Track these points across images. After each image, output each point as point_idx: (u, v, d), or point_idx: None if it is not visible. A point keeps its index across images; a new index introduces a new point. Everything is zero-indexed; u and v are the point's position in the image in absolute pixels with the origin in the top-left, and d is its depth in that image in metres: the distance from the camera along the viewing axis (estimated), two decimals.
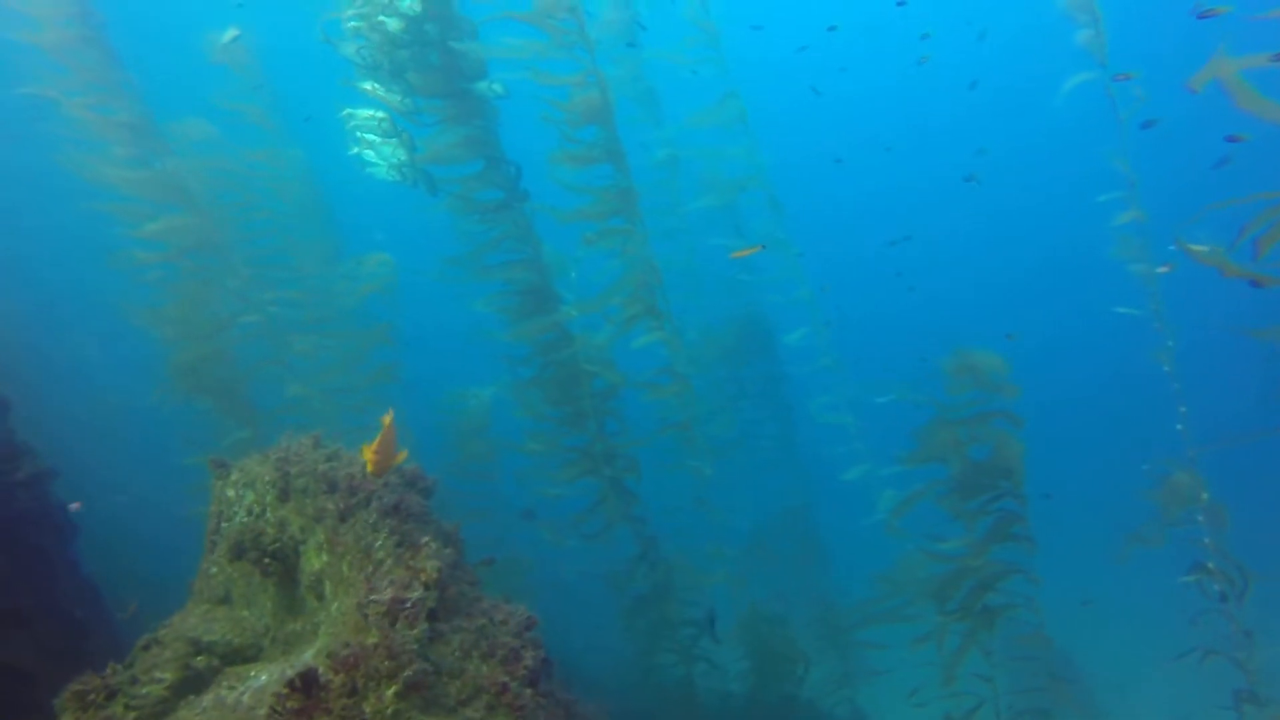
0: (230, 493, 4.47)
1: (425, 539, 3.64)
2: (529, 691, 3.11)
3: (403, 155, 8.50)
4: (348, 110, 8.38)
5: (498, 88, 8.74)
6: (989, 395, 7.26)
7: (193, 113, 11.07)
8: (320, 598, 3.73)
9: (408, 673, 2.80)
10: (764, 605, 9.88)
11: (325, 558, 3.73)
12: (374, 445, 3.65)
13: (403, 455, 3.80)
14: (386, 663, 2.79)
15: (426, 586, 3.29)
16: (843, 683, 9.88)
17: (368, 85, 8.18)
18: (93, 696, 3.19)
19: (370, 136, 8.57)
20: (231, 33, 9.79)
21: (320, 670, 2.75)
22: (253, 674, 3.58)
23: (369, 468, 3.65)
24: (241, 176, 10.63)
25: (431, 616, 3.26)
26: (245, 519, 4.28)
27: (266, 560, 3.90)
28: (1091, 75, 7.15)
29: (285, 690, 2.64)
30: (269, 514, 4.15)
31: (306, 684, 2.66)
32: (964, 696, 7.35)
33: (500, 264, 9.60)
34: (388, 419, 3.75)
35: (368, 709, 2.70)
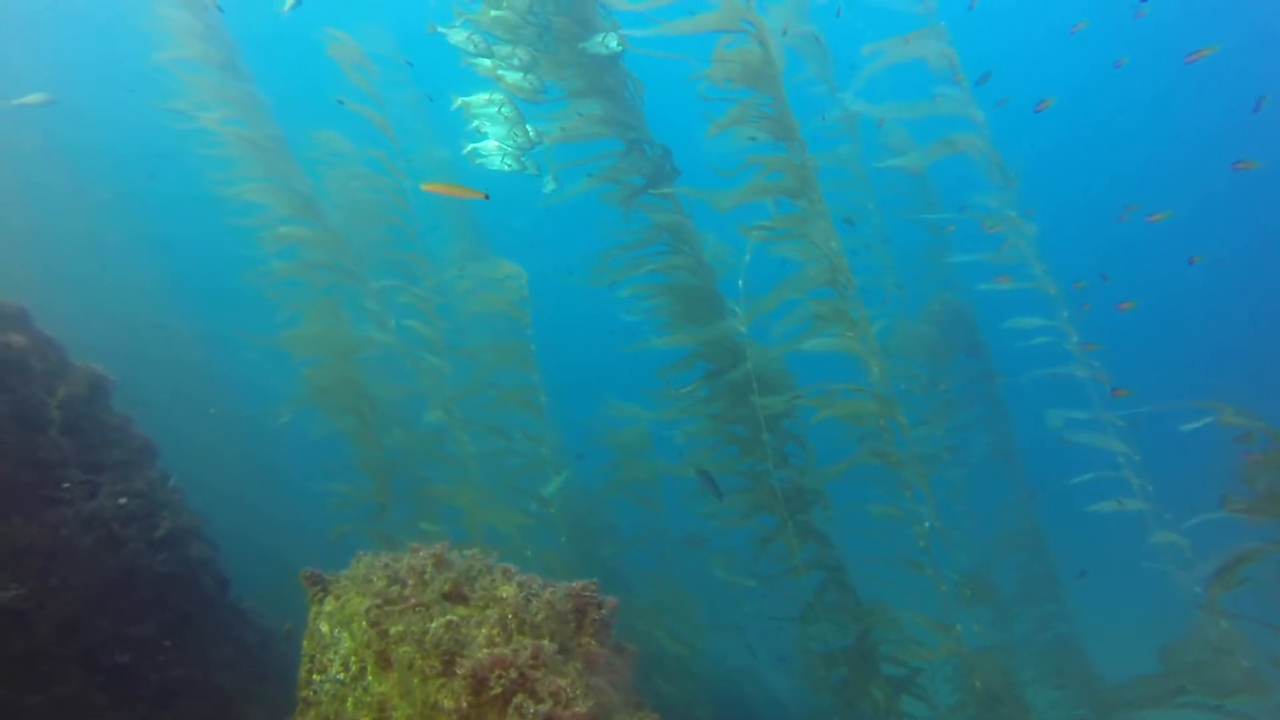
0: (324, 628, 3.36)
1: None
2: None
3: (521, 140, 7.23)
4: (461, 99, 7.19)
5: (611, 42, 7.19)
6: None
7: (325, 124, 10.57)
8: None
9: None
10: (989, 657, 8.01)
11: None
12: None
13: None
14: None
15: None
16: None
17: (485, 63, 6.94)
18: None
19: (488, 123, 7.36)
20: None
21: None
22: None
23: None
24: (371, 187, 9.87)
25: None
26: (341, 676, 3.13)
27: None
28: None
29: None
30: (369, 682, 2.97)
31: None
32: None
33: (649, 260, 8.25)
34: None
35: None
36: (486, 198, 6.18)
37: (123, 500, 6.27)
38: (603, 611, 3.36)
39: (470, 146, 7.32)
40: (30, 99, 9.52)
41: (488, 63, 7.01)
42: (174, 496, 6.86)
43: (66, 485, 5.98)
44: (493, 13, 7.15)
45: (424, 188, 5.80)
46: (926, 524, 6.23)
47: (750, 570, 8.44)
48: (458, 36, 7.30)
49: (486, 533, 8.24)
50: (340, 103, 9.00)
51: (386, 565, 3.34)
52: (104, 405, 6.90)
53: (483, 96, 7.05)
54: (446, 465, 8.90)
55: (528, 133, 7.62)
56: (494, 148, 7.65)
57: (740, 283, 7.11)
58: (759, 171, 7.21)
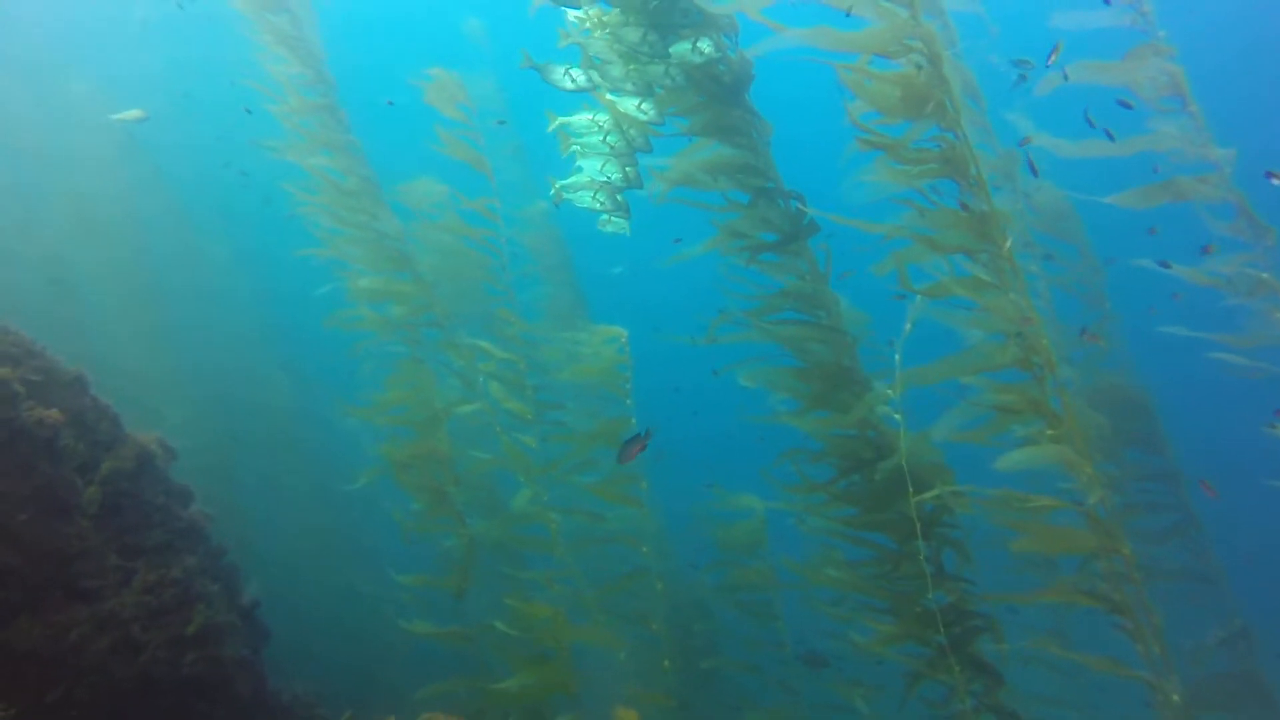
0: None
1: None
2: None
3: (616, 175, 6.15)
4: (559, 119, 6.15)
5: (705, 46, 5.96)
6: None
7: (419, 170, 9.92)
8: None
9: None
10: None
11: None
12: None
13: None
14: None
15: None
16: None
17: (591, 89, 5.92)
18: None
19: (587, 152, 6.30)
20: None
21: None
22: None
23: None
24: (464, 235, 9.05)
25: None
26: None
27: None
28: None
29: None
30: None
31: None
32: None
33: (776, 328, 6.98)
34: None
35: None
36: None
37: (149, 598, 5.32)
38: None
39: (558, 184, 6.28)
40: (127, 115, 9.83)
41: (596, 87, 6.00)
42: (213, 588, 5.89)
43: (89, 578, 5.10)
44: (601, 38, 6.14)
45: None
46: (1175, 696, 4.51)
47: (896, 709, 6.85)
48: (554, 74, 6.35)
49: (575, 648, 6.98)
50: (390, 104, 8.39)
51: None
52: (152, 480, 6.06)
53: (586, 117, 6.02)
54: (533, 554, 7.75)
55: (632, 169, 6.53)
56: (587, 183, 6.56)
57: (897, 357, 5.71)
58: (915, 220, 5.88)
